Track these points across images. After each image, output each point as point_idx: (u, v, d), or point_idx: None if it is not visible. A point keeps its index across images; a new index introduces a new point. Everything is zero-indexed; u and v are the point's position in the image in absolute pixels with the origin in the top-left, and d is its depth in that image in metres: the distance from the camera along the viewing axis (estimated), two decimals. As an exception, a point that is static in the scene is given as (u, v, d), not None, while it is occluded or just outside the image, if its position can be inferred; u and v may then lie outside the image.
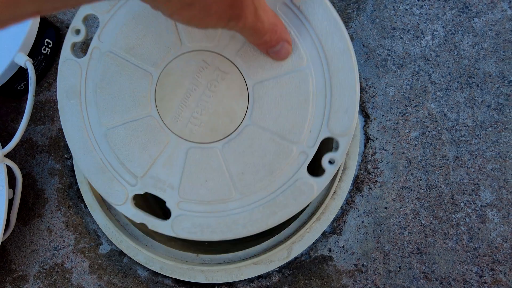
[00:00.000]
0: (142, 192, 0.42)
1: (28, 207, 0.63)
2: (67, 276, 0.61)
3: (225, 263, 0.56)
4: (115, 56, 0.43)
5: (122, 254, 0.60)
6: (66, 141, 0.64)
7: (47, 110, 0.65)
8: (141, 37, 0.42)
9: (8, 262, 0.62)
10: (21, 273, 0.62)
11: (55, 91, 0.66)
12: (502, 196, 0.56)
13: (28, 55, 0.59)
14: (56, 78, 0.66)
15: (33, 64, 0.60)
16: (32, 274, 0.61)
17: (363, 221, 0.57)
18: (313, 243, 0.57)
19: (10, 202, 0.58)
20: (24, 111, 0.66)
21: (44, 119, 0.65)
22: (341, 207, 0.58)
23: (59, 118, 0.65)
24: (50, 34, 0.63)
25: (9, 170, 0.57)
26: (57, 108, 0.65)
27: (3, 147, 0.56)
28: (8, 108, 0.66)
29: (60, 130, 0.65)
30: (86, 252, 0.61)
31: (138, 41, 0.42)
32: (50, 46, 0.64)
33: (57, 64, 0.66)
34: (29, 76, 0.56)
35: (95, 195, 0.59)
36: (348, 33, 0.63)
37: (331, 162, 0.39)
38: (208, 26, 0.30)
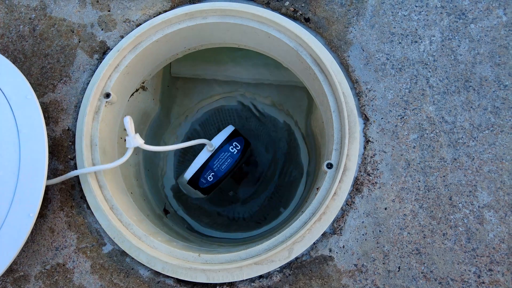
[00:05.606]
0: None
1: (31, 207, 0.64)
2: (68, 276, 0.61)
3: (227, 263, 0.56)
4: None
5: (124, 254, 0.61)
6: (69, 142, 0.65)
7: (51, 112, 0.66)
8: None
9: (9, 262, 0.62)
10: (22, 273, 0.62)
11: (59, 93, 0.67)
12: (499, 198, 0.57)
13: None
14: (61, 80, 0.67)
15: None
16: (33, 274, 0.62)
17: (363, 222, 0.58)
18: (314, 243, 0.58)
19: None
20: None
21: (47, 120, 0.66)
22: (341, 208, 0.58)
23: (63, 119, 0.66)
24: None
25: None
26: (61, 109, 0.66)
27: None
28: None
29: (64, 131, 0.65)
30: (88, 252, 0.62)
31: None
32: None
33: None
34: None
35: (98, 195, 0.60)
36: (348, 38, 0.64)
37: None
38: None
